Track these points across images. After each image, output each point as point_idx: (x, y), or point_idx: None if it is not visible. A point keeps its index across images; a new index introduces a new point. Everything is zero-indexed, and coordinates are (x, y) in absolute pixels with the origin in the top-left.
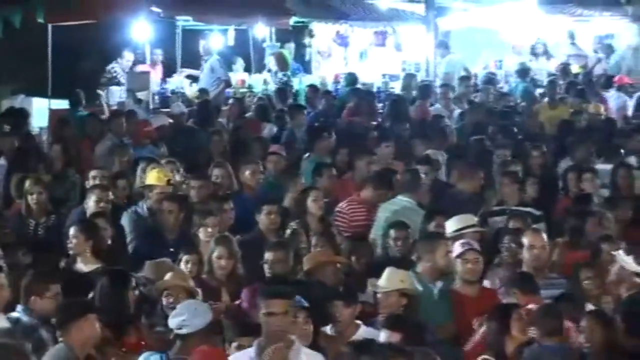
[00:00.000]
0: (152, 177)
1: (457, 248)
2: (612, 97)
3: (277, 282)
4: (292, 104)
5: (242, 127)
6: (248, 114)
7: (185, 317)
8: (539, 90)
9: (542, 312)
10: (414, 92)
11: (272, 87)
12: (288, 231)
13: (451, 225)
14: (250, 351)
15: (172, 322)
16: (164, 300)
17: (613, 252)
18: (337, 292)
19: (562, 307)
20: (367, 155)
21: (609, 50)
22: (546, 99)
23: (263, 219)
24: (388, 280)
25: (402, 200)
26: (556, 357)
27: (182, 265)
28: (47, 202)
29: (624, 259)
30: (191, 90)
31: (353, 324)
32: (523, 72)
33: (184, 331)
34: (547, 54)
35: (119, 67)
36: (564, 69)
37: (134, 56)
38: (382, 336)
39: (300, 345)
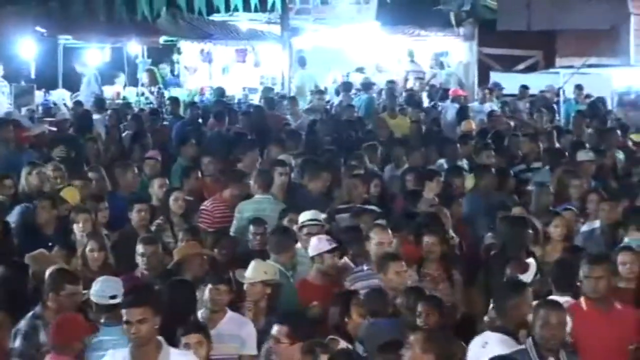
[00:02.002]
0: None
1: (317, 244)
2: (448, 107)
3: (138, 290)
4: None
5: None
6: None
7: (115, 289)
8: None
9: (368, 296)
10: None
11: (151, 98)
12: (153, 227)
13: (301, 219)
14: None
15: (106, 293)
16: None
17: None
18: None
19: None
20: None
21: (442, 66)
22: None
23: (134, 216)
24: (253, 271)
25: (259, 198)
26: (383, 330)
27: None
28: None
29: None
30: (71, 102)
31: (222, 310)
32: (366, 85)
33: (117, 300)
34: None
35: (6, 81)
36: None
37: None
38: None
39: (169, 348)
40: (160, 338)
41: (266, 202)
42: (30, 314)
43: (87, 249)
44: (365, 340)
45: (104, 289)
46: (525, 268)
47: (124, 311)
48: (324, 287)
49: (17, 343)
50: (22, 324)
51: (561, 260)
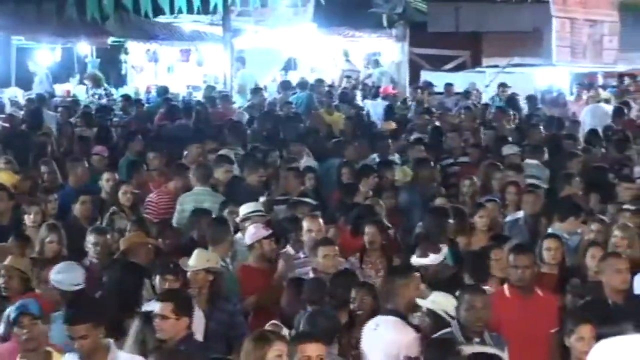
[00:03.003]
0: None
1: (255, 231)
2: (379, 104)
3: (80, 306)
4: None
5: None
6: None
7: (79, 277)
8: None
9: (309, 285)
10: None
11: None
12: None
13: (242, 211)
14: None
15: (72, 281)
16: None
17: None
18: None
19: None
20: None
21: (377, 65)
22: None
23: (78, 207)
24: (196, 259)
25: (198, 190)
26: (319, 319)
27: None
28: None
29: None
30: (23, 99)
31: None
32: (303, 84)
33: (80, 287)
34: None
35: None
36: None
37: None
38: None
39: (117, 351)
40: (108, 341)
41: (205, 194)
42: (19, 301)
43: (47, 240)
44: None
45: (69, 278)
46: (434, 252)
47: (66, 327)
48: (264, 271)
49: (1, 329)
50: (9, 310)
51: (475, 252)
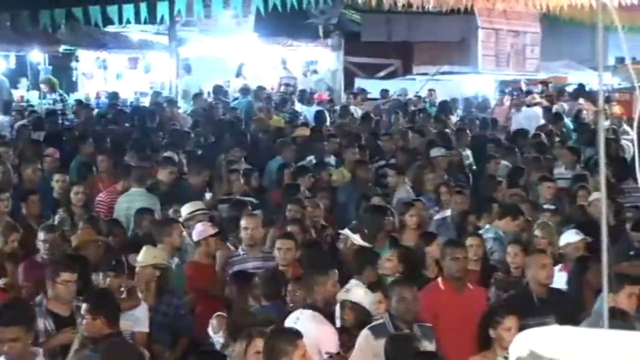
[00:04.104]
0: None
1: (202, 229)
2: (314, 109)
3: (12, 308)
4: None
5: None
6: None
7: None
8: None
9: (263, 279)
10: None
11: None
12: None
13: (186, 210)
14: None
15: None
16: None
17: (340, 231)
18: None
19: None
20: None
21: (314, 73)
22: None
23: (26, 206)
24: (144, 256)
25: (136, 191)
26: (271, 314)
27: None
28: None
29: (352, 236)
30: None
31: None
32: (245, 90)
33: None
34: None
35: None
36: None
37: None
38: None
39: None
40: (37, 349)
41: (139, 195)
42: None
43: (10, 238)
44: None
45: None
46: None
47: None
48: (210, 266)
49: None
50: None
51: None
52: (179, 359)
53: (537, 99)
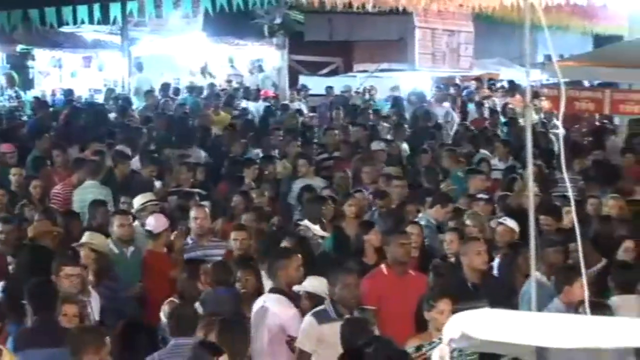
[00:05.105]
0: None
1: (157, 221)
2: (260, 106)
3: None
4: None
5: None
6: None
7: None
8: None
9: (214, 267)
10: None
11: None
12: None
13: (137, 201)
14: None
15: None
16: None
17: (300, 223)
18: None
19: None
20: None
21: (260, 70)
22: (212, 108)
23: None
24: (84, 238)
25: (90, 183)
26: (222, 298)
27: None
28: None
29: (311, 226)
30: None
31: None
32: (192, 88)
33: None
34: (209, 74)
35: None
36: (229, 83)
37: None
38: None
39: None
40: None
41: (92, 187)
42: None
43: None
44: (206, 304)
45: None
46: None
47: None
48: (166, 255)
49: None
50: None
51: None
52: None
53: (487, 92)
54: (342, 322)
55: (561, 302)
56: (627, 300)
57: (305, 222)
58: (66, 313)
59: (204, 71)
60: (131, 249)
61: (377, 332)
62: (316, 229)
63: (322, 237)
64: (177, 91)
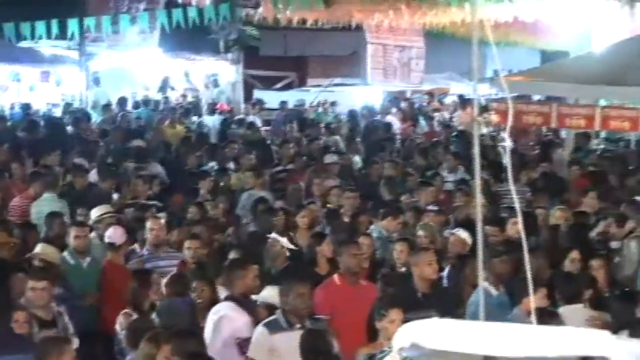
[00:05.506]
0: None
1: (115, 234)
2: (216, 119)
3: None
4: None
5: None
6: None
7: None
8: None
9: (171, 279)
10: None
11: None
12: None
13: (94, 213)
14: None
15: None
16: None
17: (268, 235)
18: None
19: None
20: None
21: (215, 85)
22: (168, 121)
23: None
24: (37, 248)
25: (47, 196)
26: (180, 307)
27: None
28: None
29: (281, 240)
30: None
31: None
32: (147, 102)
33: None
34: (171, 88)
35: None
36: (184, 97)
37: None
38: None
39: None
40: None
41: (48, 199)
42: None
43: None
44: (162, 315)
45: None
46: None
47: None
48: (125, 267)
49: None
50: None
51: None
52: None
53: (438, 106)
54: (294, 331)
55: (521, 312)
56: (573, 311)
57: (274, 235)
58: (17, 319)
59: (165, 85)
60: (87, 259)
61: (335, 342)
62: (284, 241)
63: (290, 249)
64: (137, 104)
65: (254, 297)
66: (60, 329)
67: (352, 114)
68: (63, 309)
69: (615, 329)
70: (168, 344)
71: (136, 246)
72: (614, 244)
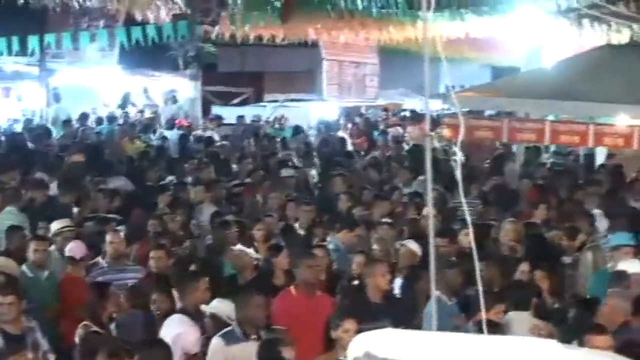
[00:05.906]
0: None
1: (76, 248)
2: (175, 134)
3: None
4: None
5: None
6: None
7: None
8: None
9: (130, 291)
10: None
11: None
12: None
13: (54, 227)
14: None
15: None
16: None
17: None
18: None
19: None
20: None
21: (174, 101)
22: (127, 137)
23: None
24: None
25: (8, 209)
26: (139, 319)
27: None
28: None
29: (248, 251)
30: None
31: None
32: (111, 118)
33: None
34: (132, 104)
35: None
36: (141, 113)
37: None
38: None
39: None
40: None
41: (9, 213)
42: None
43: None
44: (121, 326)
45: None
46: None
47: None
48: (83, 279)
49: None
50: None
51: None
52: None
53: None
54: (250, 342)
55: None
56: (520, 316)
57: (239, 246)
58: None
59: (126, 101)
60: (45, 272)
61: (293, 352)
62: (250, 251)
63: (257, 259)
64: (100, 120)
65: (202, 307)
66: (29, 344)
67: (297, 130)
68: (35, 324)
69: (568, 339)
70: (131, 358)
71: (99, 259)
72: (566, 259)
